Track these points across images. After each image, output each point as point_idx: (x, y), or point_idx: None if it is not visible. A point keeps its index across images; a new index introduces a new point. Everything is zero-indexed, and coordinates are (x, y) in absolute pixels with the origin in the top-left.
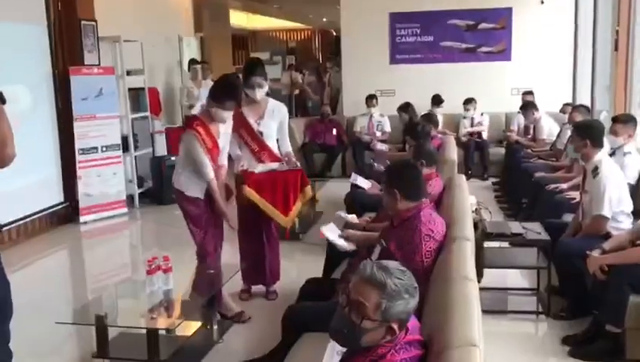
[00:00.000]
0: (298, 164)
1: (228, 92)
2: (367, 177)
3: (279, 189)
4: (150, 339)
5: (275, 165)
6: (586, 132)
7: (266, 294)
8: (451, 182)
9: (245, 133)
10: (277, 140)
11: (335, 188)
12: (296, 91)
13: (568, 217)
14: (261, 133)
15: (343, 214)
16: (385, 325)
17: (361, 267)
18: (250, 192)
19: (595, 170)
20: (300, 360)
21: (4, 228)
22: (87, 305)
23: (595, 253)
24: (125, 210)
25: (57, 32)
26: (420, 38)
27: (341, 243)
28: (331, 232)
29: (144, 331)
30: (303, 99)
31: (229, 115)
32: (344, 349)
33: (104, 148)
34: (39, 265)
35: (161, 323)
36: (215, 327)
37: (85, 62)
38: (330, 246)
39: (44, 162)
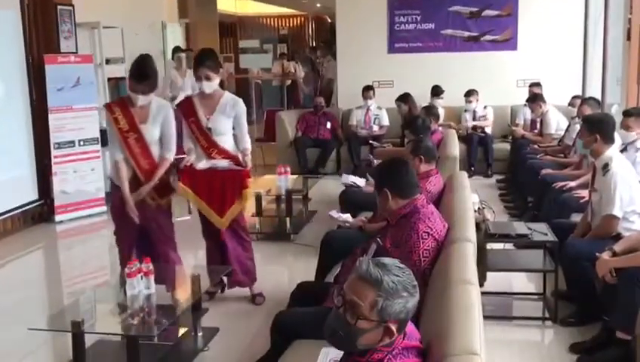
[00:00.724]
0: (249, 164)
1: (132, 72)
2: (363, 174)
3: (216, 189)
4: (130, 347)
5: (223, 163)
6: (597, 126)
7: (252, 298)
8: (452, 179)
9: (195, 127)
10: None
11: (329, 186)
12: (288, 82)
13: (577, 217)
14: (209, 130)
15: (336, 214)
16: (382, 326)
17: (357, 265)
18: (183, 189)
19: (606, 167)
20: None
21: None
22: (63, 310)
23: (605, 256)
24: (104, 208)
25: (31, 17)
26: (420, 26)
27: (347, 217)
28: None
29: (124, 338)
30: (295, 90)
31: (144, 100)
32: (337, 357)
33: (81, 143)
34: (12, 268)
35: (142, 329)
36: (200, 334)
37: (61, 50)
38: (325, 247)
39: (17, 157)
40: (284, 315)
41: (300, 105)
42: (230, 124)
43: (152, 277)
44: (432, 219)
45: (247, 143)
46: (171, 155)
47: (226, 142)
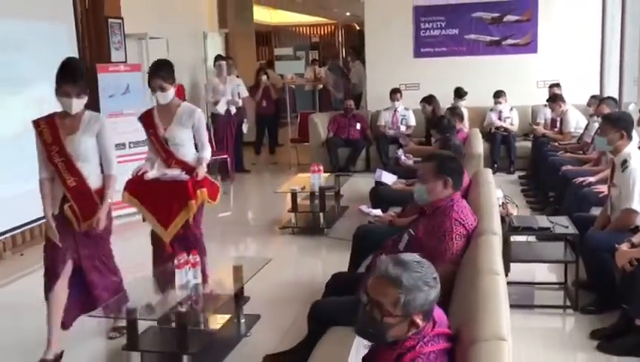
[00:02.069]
0: (200, 173)
1: (63, 75)
2: (391, 172)
3: (162, 199)
4: (179, 333)
5: (174, 172)
6: (620, 123)
7: None
8: (478, 175)
9: (154, 139)
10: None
11: (359, 183)
12: (320, 86)
13: (596, 211)
14: (166, 141)
15: (366, 209)
16: (407, 319)
17: (377, 264)
18: (128, 198)
19: (625, 163)
20: (326, 354)
21: (35, 224)
22: (118, 300)
23: (624, 247)
24: None
25: (84, 30)
26: (444, 31)
27: (377, 212)
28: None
29: (173, 324)
30: (327, 94)
31: (79, 104)
32: (371, 343)
33: (131, 145)
34: None
35: (191, 317)
36: (243, 321)
37: (112, 60)
38: (357, 240)
39: None
40: (320, 304)
41: (331, 108)
42: (188, 135)
43: (199, 268)
44: (465, 212)
45: (206, 153)
46: (113, 171)
47: (186, 153)
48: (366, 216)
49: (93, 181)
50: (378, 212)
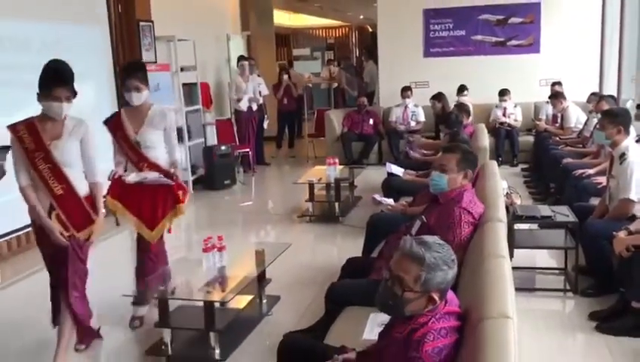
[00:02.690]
0: (178, 176)
1: (51, 77)
2: (401, 165)
3: (146, 203)
4: (207, 311)
5: (152, 175)
6: (620, 119)
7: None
8: (484, 168)
9: (123, 142)
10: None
11: (372, 175)
12: (335, 84)
13: (595, 201)
14: (138, 143)
15: (379, 197)
16: (426, 295)
17: (401, 243)
18: (112, 202)
19: (623, 156)
20: (342, 332)
21: None
22: (150, 280)
23: (622, 234)
24: None
25: (118, 33)
26: (452, 33)
27: (390, 201)
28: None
29: (201, 303)
30: (341, 92)
31: (67, 108)
32: (384, 321)
33: None
34: (105, 245)
35: (217, 296)
36: (264, 301)
37: (143, 60)
38: (370, 227)
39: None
40: (336, 286)
41: (345, 105)
42: (159, 137)
43: (224, 252)
44: (473, 201)
45: (177, 155)
46: (98, 178)
47: (158, 155)
48: (379, 204)
49: (81, 188)
50: (390, 201)
